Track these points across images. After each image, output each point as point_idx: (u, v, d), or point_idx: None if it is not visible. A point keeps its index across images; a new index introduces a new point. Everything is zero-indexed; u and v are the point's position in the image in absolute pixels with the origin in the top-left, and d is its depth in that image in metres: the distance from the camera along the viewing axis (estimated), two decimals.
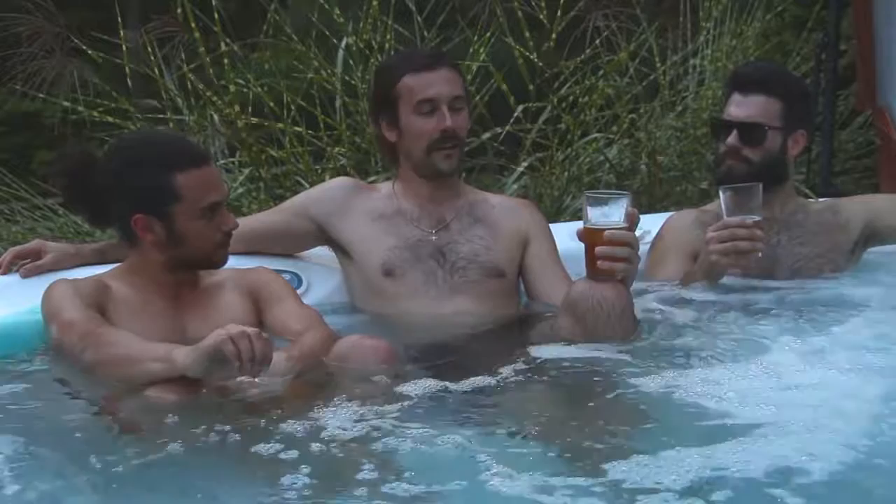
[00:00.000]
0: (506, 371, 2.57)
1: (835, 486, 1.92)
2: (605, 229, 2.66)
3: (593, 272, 2.69)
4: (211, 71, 4.82)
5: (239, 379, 2.40)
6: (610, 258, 2.66)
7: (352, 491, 1.97)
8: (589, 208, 2.68)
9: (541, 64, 4.96)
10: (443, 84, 3.07)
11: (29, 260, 3.06)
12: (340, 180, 3.41)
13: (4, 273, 3.05)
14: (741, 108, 3.29)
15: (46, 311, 2.71)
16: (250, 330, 2.32)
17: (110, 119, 4.89)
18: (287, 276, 3.12)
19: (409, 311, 3.07)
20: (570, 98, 5.08)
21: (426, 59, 3.16)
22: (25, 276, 3.04)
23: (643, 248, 3.41)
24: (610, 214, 2.67)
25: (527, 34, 4.97)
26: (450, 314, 3.06)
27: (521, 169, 4.98)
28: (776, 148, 3.29)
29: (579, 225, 2.75)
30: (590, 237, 2.69)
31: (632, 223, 2.68)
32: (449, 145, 3.08)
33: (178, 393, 2.38)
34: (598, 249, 2.67)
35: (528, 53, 4.94)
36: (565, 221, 4.33)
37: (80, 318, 2.60)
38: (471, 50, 4.96)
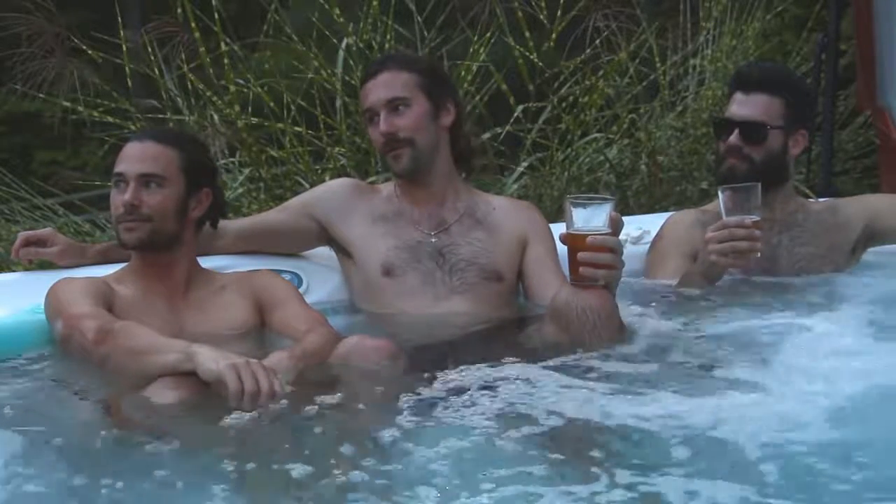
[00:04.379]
0: (504, 372, 2.56)
1: (836, 484, 1.93)
2: (587, 235, 2.61)
3: (576, 278, 2.64)
4: (211, 71, 4.82)
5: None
6: (592, 264, 2.61)
7: (353, 490, 1.97)
8: (573, 212, 2.62)
9: (541, 64, 4.96)
10: (378, 90, 3.10)
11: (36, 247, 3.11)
12: (343, 181, 3.43)
13: (16, 256, 3.10)
14: (743, 107, 3.30)
15: (52, 307, 2.72)
16: (255, 364, 2.35)
17: (110, 119, 4.88)
18: (287, 276, 3.13)
19: (407, 312, 3.08)
20: (570, 98, 5.07)
21: (371, 67, 3.20)
22: (26, 256, 3.10)
23: (643, 249, 3.44)
24: (593, 219, 2.61)
25: (527, 34, 4.96)
26: (447, 315, 3.06)
27: (521, 169, 4.97)
28: (778, 147, 3.30)
29: None
30: (572, 242, 2.63)
31: (615, 228, 2.63)
32: (394, 147, 3.10)
33: (183, 389, 2.38)
34: (580, 255, 2.61)
35: (528, 53, 4.93)
36: (564, 222, 4.33)
37: (92, 311, 2.61)
38: (471, 50, 4.96)
